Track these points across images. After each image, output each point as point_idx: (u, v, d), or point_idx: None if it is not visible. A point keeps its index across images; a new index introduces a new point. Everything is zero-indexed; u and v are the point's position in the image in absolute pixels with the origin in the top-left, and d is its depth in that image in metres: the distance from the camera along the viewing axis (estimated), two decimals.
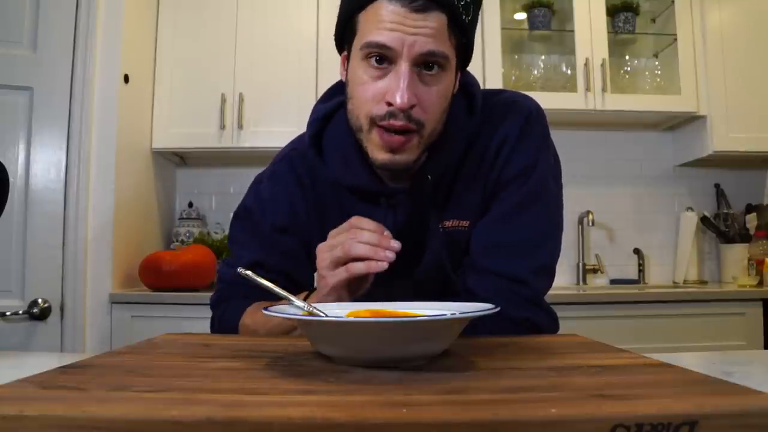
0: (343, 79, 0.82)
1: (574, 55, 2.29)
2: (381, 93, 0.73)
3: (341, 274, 0.70)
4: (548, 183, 0.84)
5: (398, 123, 0.73)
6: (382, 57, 0.72)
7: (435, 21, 0.71)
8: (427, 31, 0.70)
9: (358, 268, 0.69)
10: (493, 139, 0.83)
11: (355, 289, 0.74)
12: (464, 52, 0.79)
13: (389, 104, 0.72)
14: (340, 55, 0.83)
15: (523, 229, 0.81)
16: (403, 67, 0.71)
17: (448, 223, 0.84)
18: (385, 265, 0.69)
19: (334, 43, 0.84)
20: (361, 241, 0.69)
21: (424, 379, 0.46)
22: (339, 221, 0.79)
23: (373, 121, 0.74)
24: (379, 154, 0.76)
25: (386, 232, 0.71)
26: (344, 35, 0.79)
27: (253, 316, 0.88)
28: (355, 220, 0.72)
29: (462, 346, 0.60)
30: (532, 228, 0.82)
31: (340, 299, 0.73)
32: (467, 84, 0.85)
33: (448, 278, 0.85)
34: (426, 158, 0.81)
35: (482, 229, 0.83)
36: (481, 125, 0.84)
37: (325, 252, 0.73)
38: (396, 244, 0.69)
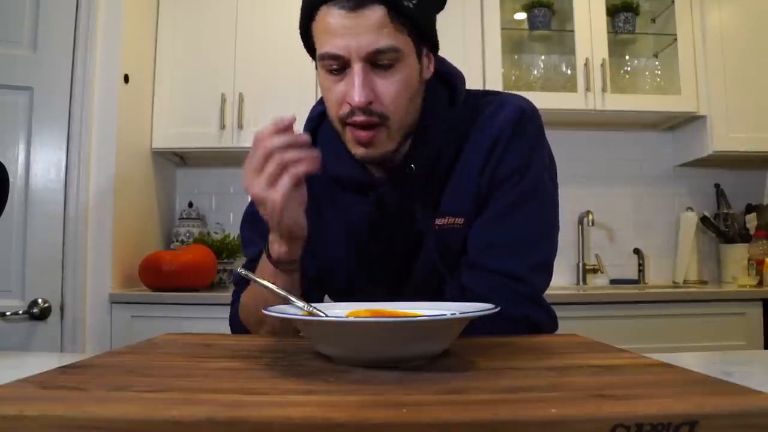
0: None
1: (574, 55, 2.29)
2: (342, 95, 0.76)
3: (284, 183, 0.67)
4: (543, 182, 0.84)
5: (360, 119, 0.75)
6: (338, 64, 0.74)
7: (373, 16, 0.72)
8: (368, 29, 0.72)
9: (300, 169, 0.68)
10: (486, 138, 0.83)
11: (300, 203, 0.72)
12: (422, 36, 0.78)
13: (349, 104, 0.75)
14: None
15: (519, 228, 0.82)
16: (355, 68, 0.73)
17: (440, 221, 0.84)
18: (317, 160, 0.69)
19: None
20: (282, 146, 0.67)
21: (424, 379, 0.46)
22: (331, 215, 0.83)
23: (342, 121, 0.77)
24: (355, 149, 0.79)
25: (287, 117, 0.69)
26: (309, 47, 0.82)
27: (246, 295, 0.89)
28: (258, 135, 0.69)
29: (462, 346, 0.60)
30: (528, 227, 0.82)
31: (293, 224, 0.72)
32: (449, 75, 0.86)
33: (443, 279, 0.86)
34: (408, 149, 0.82)
35: (478, 230, 0.83)
36: (474, 125, 0.84)
37: (252, 180, 0.69)
38: (306, 136, 0.70)
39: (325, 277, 0.93)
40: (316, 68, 0.81)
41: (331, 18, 0.72)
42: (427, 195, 0.84)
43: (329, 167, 0.85)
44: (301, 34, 0.81)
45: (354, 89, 0.73)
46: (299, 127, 0.92)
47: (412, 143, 0.82)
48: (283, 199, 0.68)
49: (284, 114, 0.70)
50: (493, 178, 0.83)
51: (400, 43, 0.74)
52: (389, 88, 0.75)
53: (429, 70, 0.82)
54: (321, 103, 0.90)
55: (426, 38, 0.79)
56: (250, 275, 0.68)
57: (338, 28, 0.72)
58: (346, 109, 0.76)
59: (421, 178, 0.83)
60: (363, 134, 0.76)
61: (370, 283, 0.90)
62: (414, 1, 0.74)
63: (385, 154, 0.79)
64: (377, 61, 0.73)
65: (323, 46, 0.74)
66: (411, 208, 0.85)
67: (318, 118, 0.90)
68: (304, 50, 0.83)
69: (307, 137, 0.70)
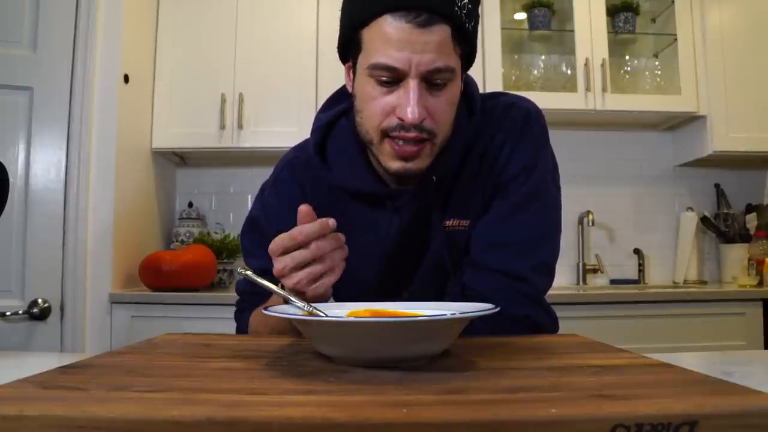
0: (350, 90, 0.82)
1: (574, 55, 2.29)
2: (391, 107, 0.74)
3: (327, 283, 0.68)
4: (547, 184, 0.85)
5: (410, 135, 0.74)
6: (391, 76, 0.72)
7: (439, 34, 0.71)
8: (432, 47, 0.71)
9: (339, 271, 0.69)
10: (493, 140, 0.84)
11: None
12: (470, 58, 0.80)
13: (400, 119, 0.73)
14: (344, 65, 0.83)
15: (523, 228, 0.82)
16: (411, 83, 0.72)
17: (449, 223, 0.85)
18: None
19: (336, 46, 0.84)
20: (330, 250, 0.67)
21: (424, 379, 0.46)
22: (340, 227, 0.78)
23: (384, 133, 0.75)
24: (392, 163, 0.77)
25: (331, 221, 0.67)
26: (348, 49, 0.79)
27: (255, 317, 0.89)
28: (299, 232, 0.67)
29: (462, 346, 0.60)
30: (532, 228, 0.82)
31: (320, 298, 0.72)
32: (466, 84, 0.85)
33: (448, 278, 0.86)
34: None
35: (482, 229, 0.83)
36: (481, 127, 0.85)
37: (293, 270, 0.67)
38: (342, 237, 0.69)
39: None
40: (353, 70, 0.79)
41: (391, 28, 0.70)
42: (438, 198, 0.84)
43: (341, 179, 0.85)
44: (342, 33, 0.79)
45: (409, 105, 0.71)
46: (301, 128, 0.92)
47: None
48: (321, 295, 0.69)
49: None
50: (500, 178, 0.83)
51: (455, 64, 0.74)
52: (439, 106, 0.74)
53: (461, 88, 0.82)
54: (325, 110, 0.90)
55: (472, 60, 0.80)
56: (253, 276, 0.68)
57: (400, 41, 0.70)
58: (393, 121, 0.74)
59: (436, 187, 0.83)
60: (409, 149, 0.74)
61: (376, 287, 0.89)
62: (472, 24, 0.74)
63: (420, 170, 0.77)
64: (433, 80, 0.73)
65: (378, 56, 0.72)
66: (426, 215, 0.84)
67: (326, 128, 0.88)
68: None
69: (343, 238, 0.68)
